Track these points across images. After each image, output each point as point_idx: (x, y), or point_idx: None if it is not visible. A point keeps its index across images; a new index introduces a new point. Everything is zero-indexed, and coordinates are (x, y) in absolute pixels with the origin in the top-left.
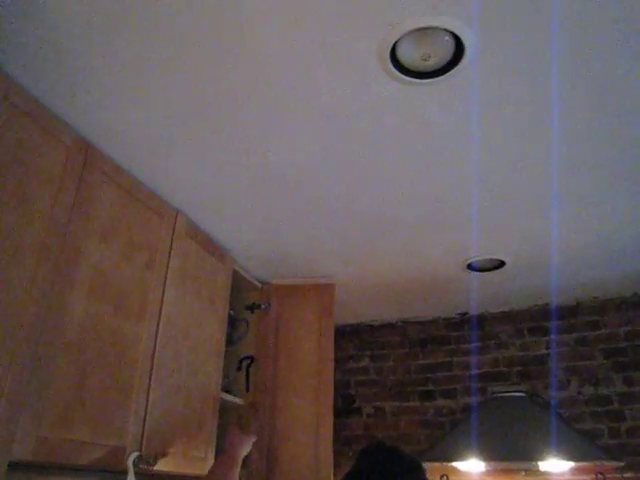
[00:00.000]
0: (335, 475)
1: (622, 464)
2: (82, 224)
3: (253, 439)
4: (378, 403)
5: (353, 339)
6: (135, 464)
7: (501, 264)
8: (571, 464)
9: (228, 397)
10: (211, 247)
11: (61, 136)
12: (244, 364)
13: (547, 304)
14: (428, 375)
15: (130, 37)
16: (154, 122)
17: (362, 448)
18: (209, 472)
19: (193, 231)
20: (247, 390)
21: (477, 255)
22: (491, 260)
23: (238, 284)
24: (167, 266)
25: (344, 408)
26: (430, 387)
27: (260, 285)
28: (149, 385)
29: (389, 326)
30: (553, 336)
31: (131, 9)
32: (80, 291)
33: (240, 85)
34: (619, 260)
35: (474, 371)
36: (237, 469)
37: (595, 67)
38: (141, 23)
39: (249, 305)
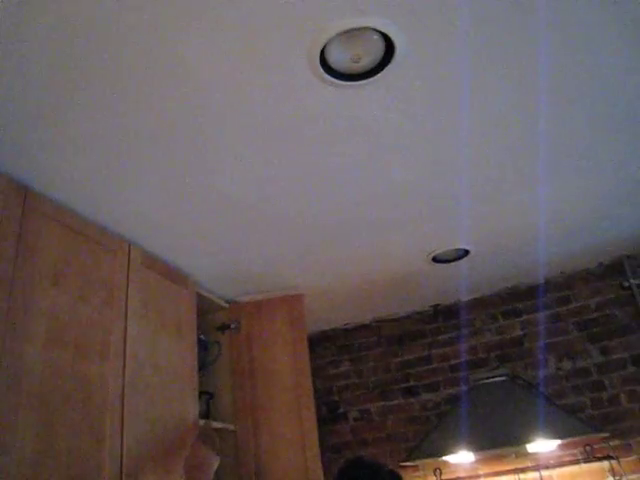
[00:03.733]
0: None
1: (607, 434)
2: (29, 271)
3: (217, 461)
4: (363, 406)
5: (330, 345)
6: None
7: (465, 253)
8: (558, 441)
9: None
10: (171, 274)
11: None
12: (204, 398)
13: (517, 285)
14: (409, 371)
15: (54, 78)
16: (92, 158)
17: (340, 466)
18: None
19: (150, 261)
20: (207, 417)
21: (440, 247)
22: (455, 250)
23: (205, 306)
24: (126, 301)
25: (329, 415)
26: (412, 383)
27: (227, 305)
28: (122, 425)
29: (364, 327)
30: (526, 316)
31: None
32: (36, 340)
33: (175, 109)
34: (581, 233)
35: (453, 361)
36: None
37: (531, 52)
38: (64, 64)
39: (219, 326)
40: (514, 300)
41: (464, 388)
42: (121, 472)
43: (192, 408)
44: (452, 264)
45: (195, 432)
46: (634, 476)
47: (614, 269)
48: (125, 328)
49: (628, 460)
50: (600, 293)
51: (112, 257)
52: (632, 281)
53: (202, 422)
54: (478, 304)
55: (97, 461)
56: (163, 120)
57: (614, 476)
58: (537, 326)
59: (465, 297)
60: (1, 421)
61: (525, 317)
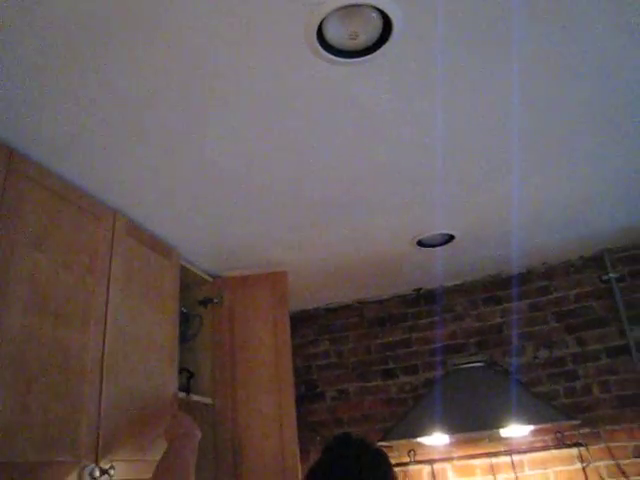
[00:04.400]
0: (302, 462)
1: (578, 422)
2: (10, 234)
3: (200, 433)
4: (341, 386)
5: (311, 324)
6: (92, 476)
7: (450, 238)
8: (531, 427)
9: (186, 396)
10: (155, 245)
11: None
12: (184, 374)
13: (499, 274)
14: (388, 353)
15: (46, 34)
16: (81, 121)
17: (327, 441)
18: (169, 458)
19: (134, 230)
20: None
21: (426, 231)
22: (440, 235)
23: (188, 279)
24: (109, 269)
25: (307, 394)
26: (391, 365)
27: (211, 279)
28: (100, 394)
29: (346, 308)
30: (507, 304)
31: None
32: (15, 305)
33: (167, 76)
34: (564, 225)
35: (433, 345)
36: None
37: (534, 33)
38: (58, 21)
39: (201, 300)
40: (495, 288)
41: (442, 372)
42: (97, 440)
43: (172, 381)
44: (437, 249)
45: (175, 404)
46: (601, 463)
47: (594, 262)
48: (107, 297)
49: (596, 448)
50: (580, 285)
51: (96, 224)
52: (611, 275)
53: (182, 395)
54: (460, 290)
55: (74, 427)
56: (155, 87)
57: (582, 462)
58: (516, 314)
59: (447, 282)
60: None
61: (505, 305)
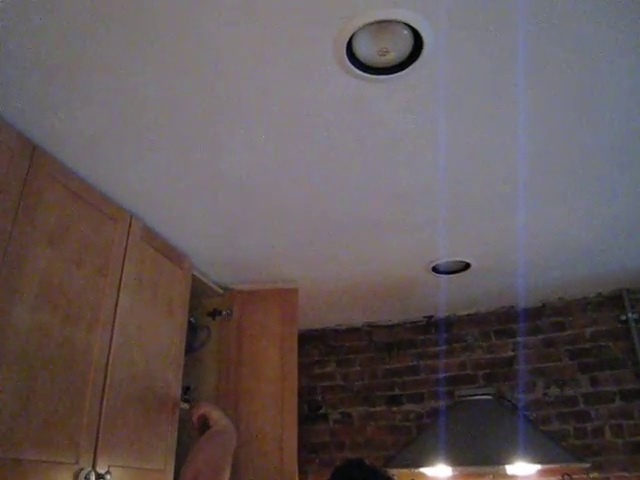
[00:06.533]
0: None
1: (588, 465)
2: (27, 229)
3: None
4: (345, 409)
5: (318, 344)
6: None
7: (466, 266)
8: (538, 466)
9: (188, 407)
10: (169, 252)
11: (3, 137)
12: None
13: (513, 306)
14: (395, 379)
15: (71, 36)
16: (103, 124)
17: (338, 464)
18: (216, 439)
19: (149, 236)
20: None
21: (442, 257)
22: (456, 262)
23: (199, 290)
24: (121, 272)
25: (310, 414)
26: (397, 392)
27: (221, 291)
28: (102, 397)
29: (355, 330)
30: (519, 338)
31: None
32: (25, 300)
33: (190, 84)
34: (583, 261)
35: (441, 375)
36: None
37: (566, 63)
38: (81, 22)
39: (210, 311)
40: (509, 320)
41: (448, 402)
42: (96, 443)
43: (175, 390)
44: (452, 276)
45: (176, 415)
46: None
47: (613, 301)
48: (117, 299)
49: None
50: (596, 323)
51: (112, 226)
52: (630, 315)
53: (184, 405)
54: (473, 320)
55: (74, 428)
56: (178, 93)
57: None
58: (529, 349)
59: (460, 311)
60: None
61: (518, 339)
